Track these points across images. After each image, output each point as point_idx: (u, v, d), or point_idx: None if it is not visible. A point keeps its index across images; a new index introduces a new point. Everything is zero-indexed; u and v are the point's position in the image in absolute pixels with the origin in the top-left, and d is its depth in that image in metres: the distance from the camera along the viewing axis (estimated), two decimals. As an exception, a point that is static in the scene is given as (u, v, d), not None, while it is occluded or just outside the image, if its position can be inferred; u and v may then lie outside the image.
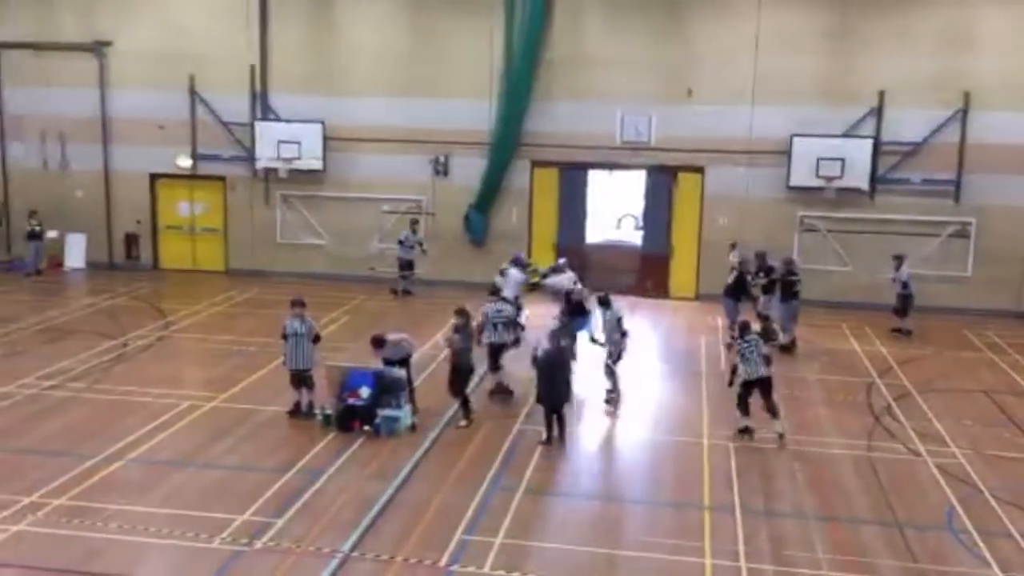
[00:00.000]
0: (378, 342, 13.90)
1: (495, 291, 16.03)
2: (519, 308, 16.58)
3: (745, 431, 13.55)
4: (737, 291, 18.78)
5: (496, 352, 14.94)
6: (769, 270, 18.89)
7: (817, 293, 21.65)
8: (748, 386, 13.49)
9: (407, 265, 22.28)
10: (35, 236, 23.55)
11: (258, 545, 10.05)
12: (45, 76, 24.16)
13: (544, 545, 10.37)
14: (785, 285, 18.56)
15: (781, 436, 13.39)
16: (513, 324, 15.15)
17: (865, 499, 11.70)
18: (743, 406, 13.55)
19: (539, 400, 13.37)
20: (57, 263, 24.43)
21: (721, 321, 19.71)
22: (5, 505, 10.73)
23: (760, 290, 18.88)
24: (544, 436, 13.12)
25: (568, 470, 12.60)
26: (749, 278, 18.86)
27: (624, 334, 14.93)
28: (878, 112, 21.48)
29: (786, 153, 21.64)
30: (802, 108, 21.63)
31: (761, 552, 10.24)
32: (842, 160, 21.33)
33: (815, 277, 21.82)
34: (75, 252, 24.62)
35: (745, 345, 13.50)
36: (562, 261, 18.91)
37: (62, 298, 21.48)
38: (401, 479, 11.81)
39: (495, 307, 15.06)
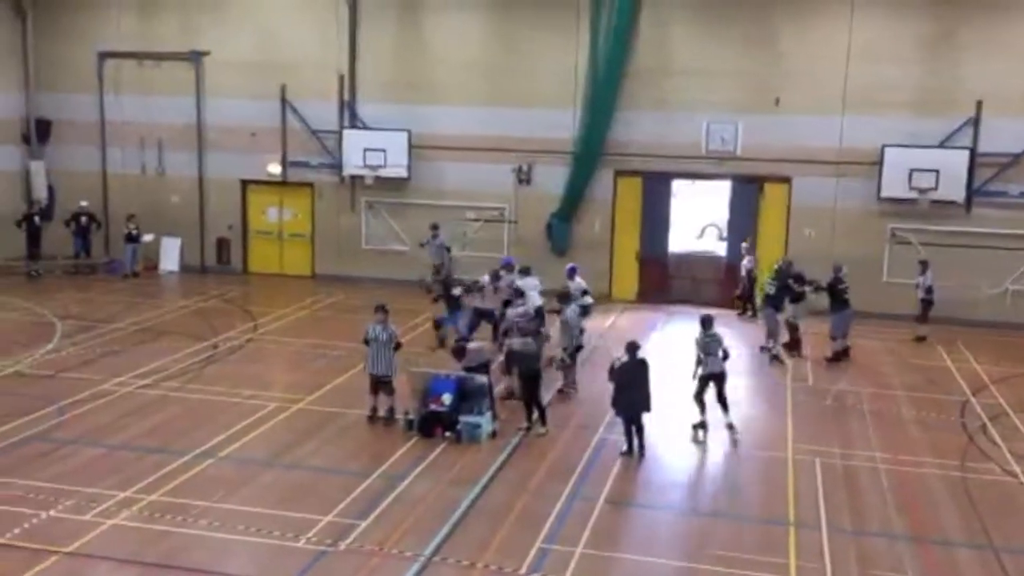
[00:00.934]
0: (459, 352, 14.03)
1: (564, 296, 16.05)
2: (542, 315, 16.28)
3: (701, 426, 13.92)
4: (777, 300, 18.36)
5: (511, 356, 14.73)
6: (799, 279, 18.35)
7: (909, 307, 21.09)
8: (706, 380, 13.93)
9: (438, 268, 22.26)
10: (132, 239, 24.40)
11: (342, 546, 10.21)
12: (145, 84, 25.07)
13: (624, 557, 10.30)
14: (834, 294, 18.16)
15: (731, 427, 13.94)
16: (535, 331, 14.91)
17: (958, 521, 11.33)
18: (700, 401, 13.97)
19: (616, 411, 13.29)
20: (152, 266, 25.26)
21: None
22: (101, 500, 11.12)
23: (790, 299, 18.40)
24: (624, 447, 13.04)
25: (649, 481, 12.50)
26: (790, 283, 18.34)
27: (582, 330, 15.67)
28: (975, 122, 20.84)
29: (877, 164, 21.14)
30: (895, 118, 21.13)
31: (848, 572, 10.00)
32: (936, 171, 20.74)
33: (907, 291, 21.25)
34: (170, 255, 25.43)
35: (708, 340, 13.89)
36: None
37: (157, 300, 22.19)
38: (482, 486, 11.88)
39: (518, 311, 15.11)
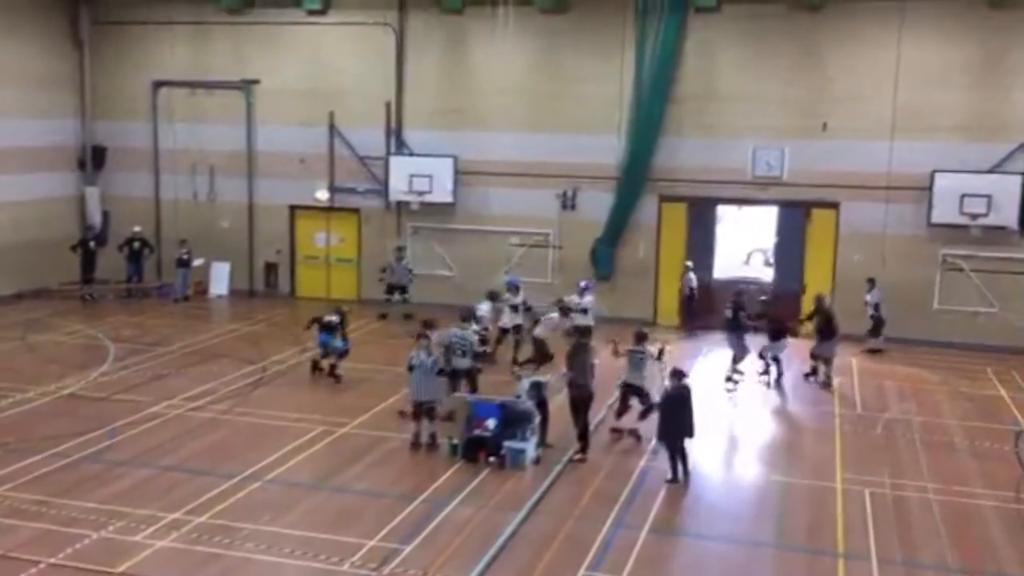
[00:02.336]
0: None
1: (467, 317, 16.30)
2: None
3: (617, 431, 14.55)
4: (734, 325, 18.46)
5: (453, 376, 15.13)
6: (738, 309, 18.26)
7: (960, 335, 20.81)
8: (627, 388, 14.60)
9: (400, 289, 22.88)
10: (183, 263, 24.85)
11: (386, 571, 10.24)
12: (197, 112, 25.63)
13: (669, 586, 10.21)
14: (819, 324, 18.06)
15: (634, 432, 14.41)
16: (475, 353, 15.43)
17: (1014, 554, 11.07)
18: (622, 407, 14.63)
19: (660, 438, 13.21)
20: (202, 290, 25.67)
21: (855, 362, 19.08)
22: (151, 521, 11.29)
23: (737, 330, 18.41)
24: (670, 475, 12.95)
25: (694, 510, 12.39)
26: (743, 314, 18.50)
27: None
28: (1028, 147, 20.53)
29: (927, 189, 20.87)
30: (945, 143, 20.87)
31: (899, 605, 9.82)
32: (988, 197, 20.42)
33: (958, 318, 21.00)
34: (219, 279, 25.83)
35: (634, 354, 14.57)
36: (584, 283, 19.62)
37: (207, 323, 22.54)
38: (526, 511, 11.86)
39: (459, 333, 15.42)
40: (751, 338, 18.28)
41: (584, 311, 18.58)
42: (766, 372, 18.10)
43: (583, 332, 16.68)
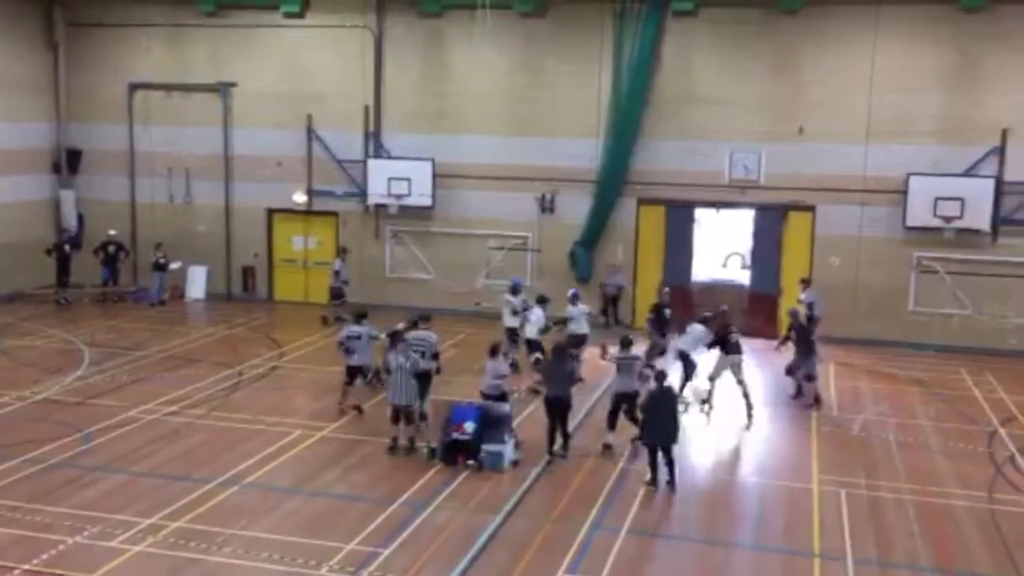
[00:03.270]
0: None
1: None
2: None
3: (608, 448, 14.10)
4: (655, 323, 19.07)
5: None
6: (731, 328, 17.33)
7: (934, 336, 20.99)
8: (619, 398, 14.21)
9: (339, 294, 22.60)
10: (160, 267, 24.68)
11: (364, 574, 10.22)
12: (173, 115, 25.47)
13: (647, 587, 10.25)
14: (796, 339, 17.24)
15: (608, 447, 14.12)
16: (433, 354, 15.09)
17: (986, 553, 11.20)
18: (613, 421, 14.21)
19: (643, 440, 13.26)
20: (179, 294, 25.50)
21: (832, 365, 19.24)
22: (127, 526, 11.22)
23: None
24: (648, 476, 12.98)
25: (672, 512, 12.44)
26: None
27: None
28: (1000, 151, 20.75)
29: (902, 192, 21.08)
30: (920, 146, 21.09)
31: (874, 605, 9.90)
32: (962, 200, 20.64)
33: (932, 320, 21.22)
34: (196, 283, 25.68)
35: (623, 360, 14.27)
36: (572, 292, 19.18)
37: (183, 327, 22.40)
38: (504, 514, 11.87)
39: (419, 335, 15.19)
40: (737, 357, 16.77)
41: (568, 320, 18.12)
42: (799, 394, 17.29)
43: (578, 341, 17.03)
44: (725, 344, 16.48)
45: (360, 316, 16.46)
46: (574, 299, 18.63)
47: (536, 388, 16.15)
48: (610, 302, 22.77)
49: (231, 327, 22.42)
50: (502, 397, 14.13)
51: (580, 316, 18.20)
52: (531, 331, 17.71)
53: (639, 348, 15.35)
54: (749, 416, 16.09)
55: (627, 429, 14.25)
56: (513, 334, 18.30)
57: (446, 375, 17.17)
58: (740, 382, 16.34)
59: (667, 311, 19.05)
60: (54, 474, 12.83)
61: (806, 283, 20.34)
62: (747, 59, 21.99)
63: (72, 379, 17.46)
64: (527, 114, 23.17)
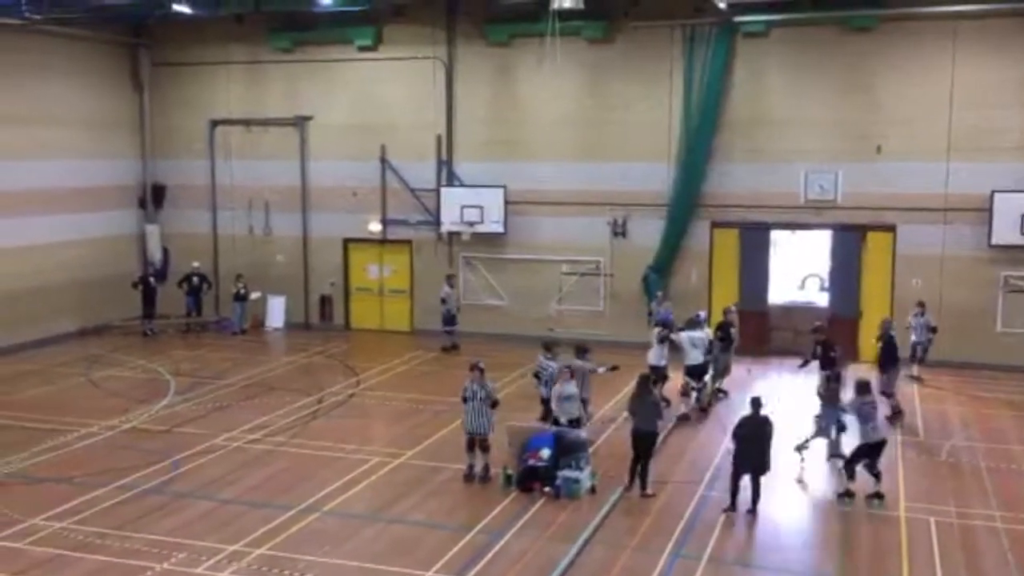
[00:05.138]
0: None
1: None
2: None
3: (848, 494, 13.26)
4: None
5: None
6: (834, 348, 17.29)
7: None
8: (864, 449, 13.29)
9: (451, 320, 22.84)
10: (240, 298, 25.30)
11: (443, 602, 10.26)
12: (253, 149, 26.18)
13: (730, 617, 10.06)
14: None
15: (878, 496, 13.10)
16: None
17: (1087, 585, 10.74)
18: (852, 469, 13.36)
19: (734, 466, 12.97)
20: (259, 323, 26.07)
21: (916, 388, 18.71)
22: (212, 553, 11.46)
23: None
24: (727, 503, 12.78)
25: (753, 540, 12.22)
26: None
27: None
28: (1088, 164, 20.08)
29: (987, 210, 20.49)
30: (1003, 162, 20.48)
31: (968, 638, 9.55)
32: (1049, 216, 19.98)
33: (1021, 340, 20.47)
34: (275, 313, 26.22)
35: (864, 405, 13.33)
36: (702, 315, 18.76)
37: (263, 356, 22.87)
38: (582, 542, 11.80)
39: (543, 363, 15.97)
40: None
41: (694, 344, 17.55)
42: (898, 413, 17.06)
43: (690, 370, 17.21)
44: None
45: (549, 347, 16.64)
46: (701, 322, 18.17)
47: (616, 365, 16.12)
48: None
49: (309, 355, 22.81)
50: (575, 422, 14.09)
51: (691, 343, 17.43)
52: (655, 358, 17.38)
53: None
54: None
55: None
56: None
57: (520, 401, 17.26)
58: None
59: (733, 330, 18.81)
60: (142, 501, 13.18)
61: (922, 306, 19.73)
62: (820, 78, 21.69)
63: (159, 408, 17.96)
64: (597, 139, 23.19)
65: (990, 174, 20.48)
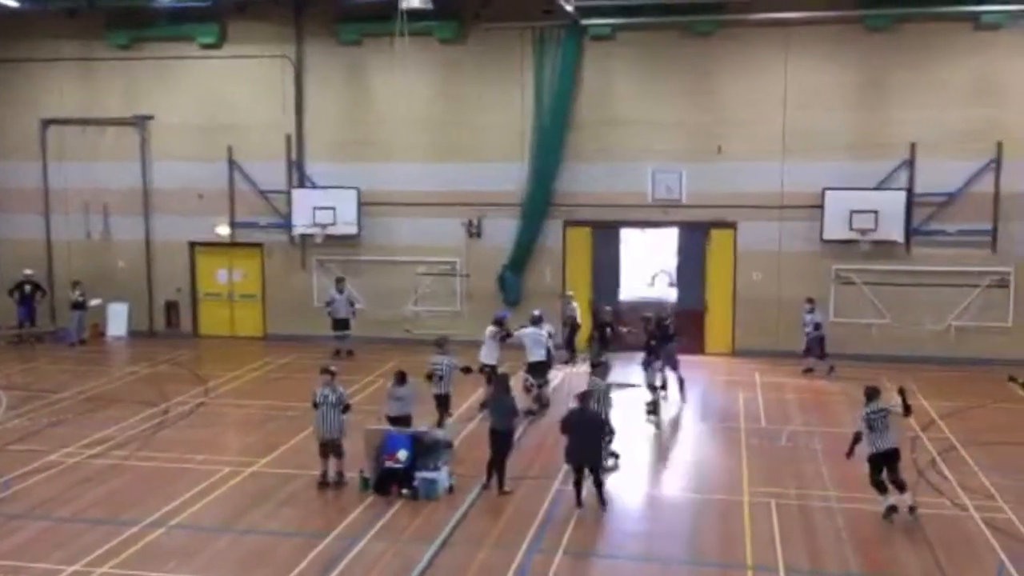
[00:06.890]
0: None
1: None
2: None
3: (892, 509, 12.50)
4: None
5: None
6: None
7: (855, 346, 21.49)
8: (879, 459, 12.61)
9: (340, 324, 22.50)
10: (78, 306, 24.04)
11: (298, 611, 10.04)
12: (89, 150, 24.91)
13: (585, 608, 10.25)
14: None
15: (911, 509, 12.45)
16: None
17: (913, 556, 11.47)
18: (879, 484, 12.60)
19: (566, 459, 13.21)
20: (99, 332, 24.86)
21: (759, 378, 19.59)
22: (51, 574, 10.82)
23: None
24: (575, 500, 12.95)
25: (606, 531, 12.48)
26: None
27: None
28: (910, 164, 21.48)
29: (819, 207, 21.65)
30: (833, 162, 21.70)
31: (807, 613, 10.05)
32: (875, 212, 21.27)
33: (852, 330, 21.73)
34: (117, 321, 25.07)
35: (875, 415, 12.76)
36: (537, 313, 18.91)
37: (104, 367, 21.82)
38: (440, 542, 11.77)
39: (435, 360, 15.90)
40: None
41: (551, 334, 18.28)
42: None
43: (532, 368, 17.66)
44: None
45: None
46: (539, 320, 18.37)
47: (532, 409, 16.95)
48: (569, 334, 21.85)
49: (154, 364, 21.90)
50: (402, 420, 14.08)
51: (533, 339, 17.79)
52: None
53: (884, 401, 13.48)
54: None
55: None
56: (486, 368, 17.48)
57: (375, 404, 17.05)
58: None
59: (608, 330, 19.49)
60: (-30, 525, 12.34)
61: (812, 302, 20.65)
62: (665, 81, 22.42)
63: (-12, 425, 16.87)
64: (451, 139, 23.23)
65: (821, 173, 21.65)
